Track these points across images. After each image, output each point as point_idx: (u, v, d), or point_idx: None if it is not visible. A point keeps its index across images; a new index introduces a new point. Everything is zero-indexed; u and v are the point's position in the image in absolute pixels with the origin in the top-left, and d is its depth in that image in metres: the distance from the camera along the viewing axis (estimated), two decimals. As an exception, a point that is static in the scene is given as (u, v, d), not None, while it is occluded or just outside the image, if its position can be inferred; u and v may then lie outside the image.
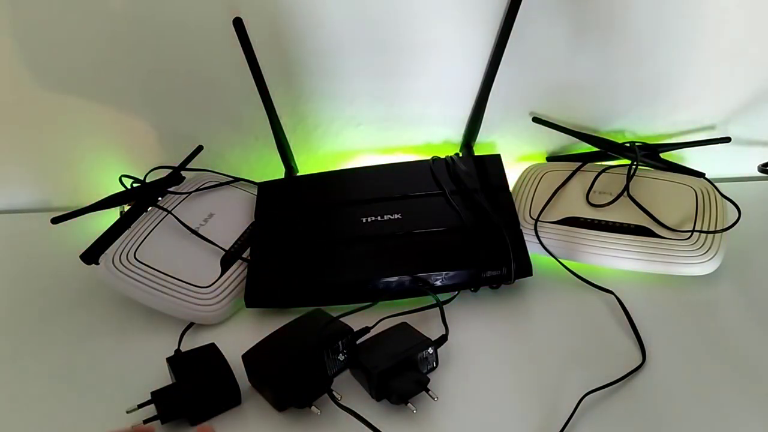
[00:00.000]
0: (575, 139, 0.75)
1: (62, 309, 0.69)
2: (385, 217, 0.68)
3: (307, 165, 0.80)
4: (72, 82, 0.73)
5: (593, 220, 0.67)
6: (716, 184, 0.69)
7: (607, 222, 0.67)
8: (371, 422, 0.50)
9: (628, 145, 0.74)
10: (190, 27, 0.67)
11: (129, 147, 0.79)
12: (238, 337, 0.59)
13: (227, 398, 0.55)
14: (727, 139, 0.71)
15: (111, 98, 0.75)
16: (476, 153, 0.77)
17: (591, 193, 0.70)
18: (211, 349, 0.56)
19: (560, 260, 0.65)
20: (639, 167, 0.71)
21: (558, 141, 0.78)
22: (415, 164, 0.75)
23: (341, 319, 0.58)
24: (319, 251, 0.67)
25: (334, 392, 0.53)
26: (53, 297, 0.71)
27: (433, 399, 0.53)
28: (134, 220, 0.72)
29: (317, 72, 0.72)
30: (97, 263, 0.67)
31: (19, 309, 0.70)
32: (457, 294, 0.63)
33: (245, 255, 0.68)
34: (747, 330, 0.58)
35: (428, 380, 0.54)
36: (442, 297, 0.62)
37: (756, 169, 0.71)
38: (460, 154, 0.76)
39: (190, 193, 0.75)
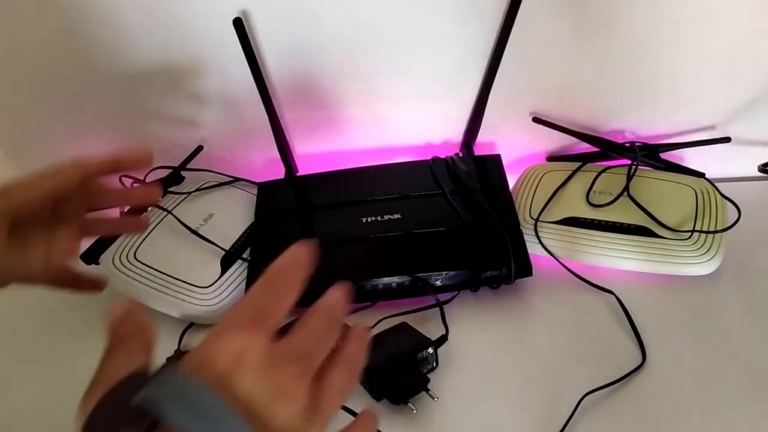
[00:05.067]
0: (575, 139, 0.75)
1: (62, 309, 0.69)
2: (385, 217, 0.68)
3: (307, 165, 0.80)
4: (72, 82, 0.72)
5: (593, 220, 0.67)
6: (716, 184, 0.69)
7: (607, 222, 0.67)
8: (371, 422, 0.50)
9: (628, 145, 0.74)
10: (190, 27, 0.67)
11: (129, 147, 0.78)
12: (238, 337, 0.59)
13: (227, 398, 0.55)
14: (727, 139, 0.71)
15: (110, 97, 0.74)
16: (476, 153, 0.77)
17: (591, 193, 0.70)
18: (211, 349, 0.56)
19: (560, 260, 0.65)
20: (639, 167, 0.71)
21: (558, 141, 0.78)
22: (415, 164, 0.75)
23: (341, 319, 0.58)
24: (319, 251, 0.67)
25: (334, 392, 0.53)
26: (53, 297, 0.70)
27: (433, 399, 0.53)
28: (134, 220, 0.72)
29: (317, 72, 0.72)
30: (98, 263, 0.67)
31: (19, 309, 0.70)
32: (457, 294, 0.63)
33: (245, 255, 0.68)
34: (747, 330, 0.58)
35: (428, 380, 0.54)
36: (442, 297, 0.62)
37: (756, 169, 0.71)
38: (460, 154, 0.76)
39: (190, 193, 0.75)
